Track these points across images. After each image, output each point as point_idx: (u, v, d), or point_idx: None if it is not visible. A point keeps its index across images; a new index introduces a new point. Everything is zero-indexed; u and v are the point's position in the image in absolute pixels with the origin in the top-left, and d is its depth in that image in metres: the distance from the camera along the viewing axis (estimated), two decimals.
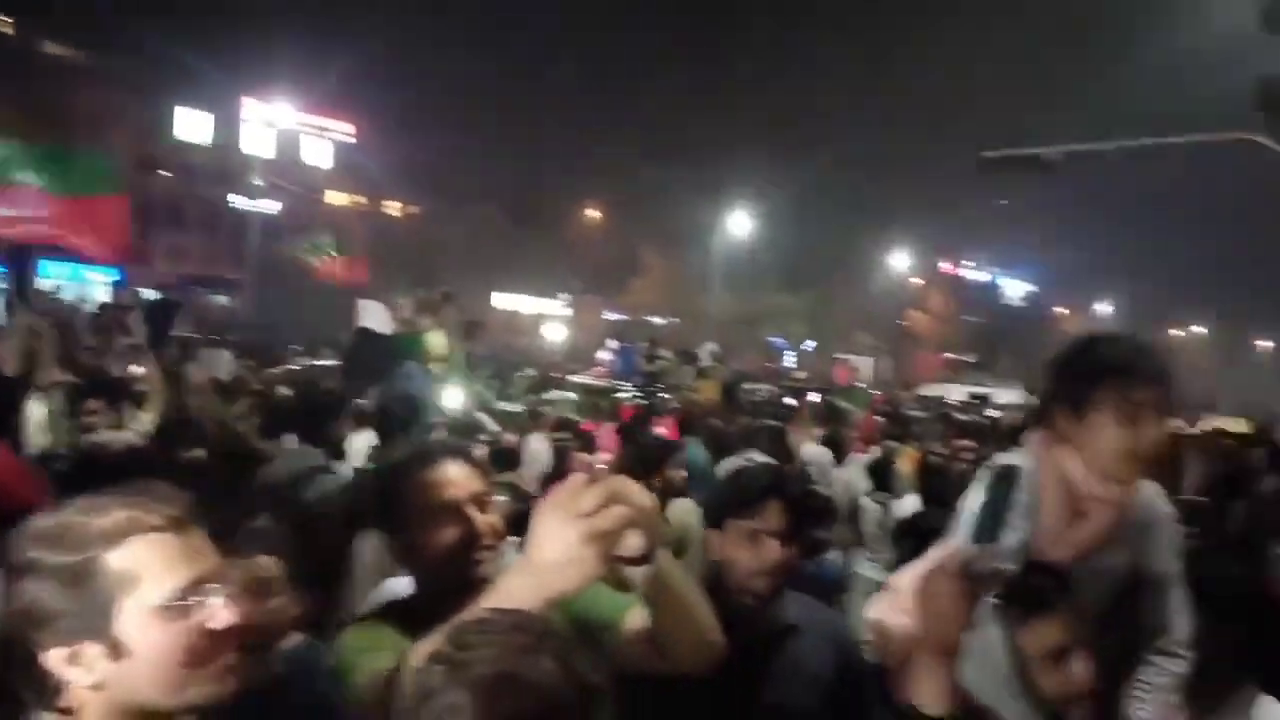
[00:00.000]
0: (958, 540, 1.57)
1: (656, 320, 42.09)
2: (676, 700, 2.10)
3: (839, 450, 7.80)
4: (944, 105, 53.58)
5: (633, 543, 1.72)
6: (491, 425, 7.58)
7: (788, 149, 45.36)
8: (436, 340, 8.68)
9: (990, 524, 1.52)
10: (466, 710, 1.16)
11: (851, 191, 48.53)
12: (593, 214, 50.63)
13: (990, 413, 16.82)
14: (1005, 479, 1.55)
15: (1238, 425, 15.41)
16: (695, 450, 7.50)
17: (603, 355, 17.85)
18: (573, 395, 12.55)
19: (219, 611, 1.38)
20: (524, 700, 1.17)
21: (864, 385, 25.11)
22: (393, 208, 45.12)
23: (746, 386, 17.17)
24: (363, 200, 42.98)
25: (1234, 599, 2.25)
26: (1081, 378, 2.03)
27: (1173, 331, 74.31)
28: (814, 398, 15.16)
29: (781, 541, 2.35)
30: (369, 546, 3.59)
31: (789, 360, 44.52)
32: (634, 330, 23.34)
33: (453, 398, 7.60)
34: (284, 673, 2.52)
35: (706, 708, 2.23)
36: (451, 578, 1.91)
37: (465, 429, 6.69)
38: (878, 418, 12.41)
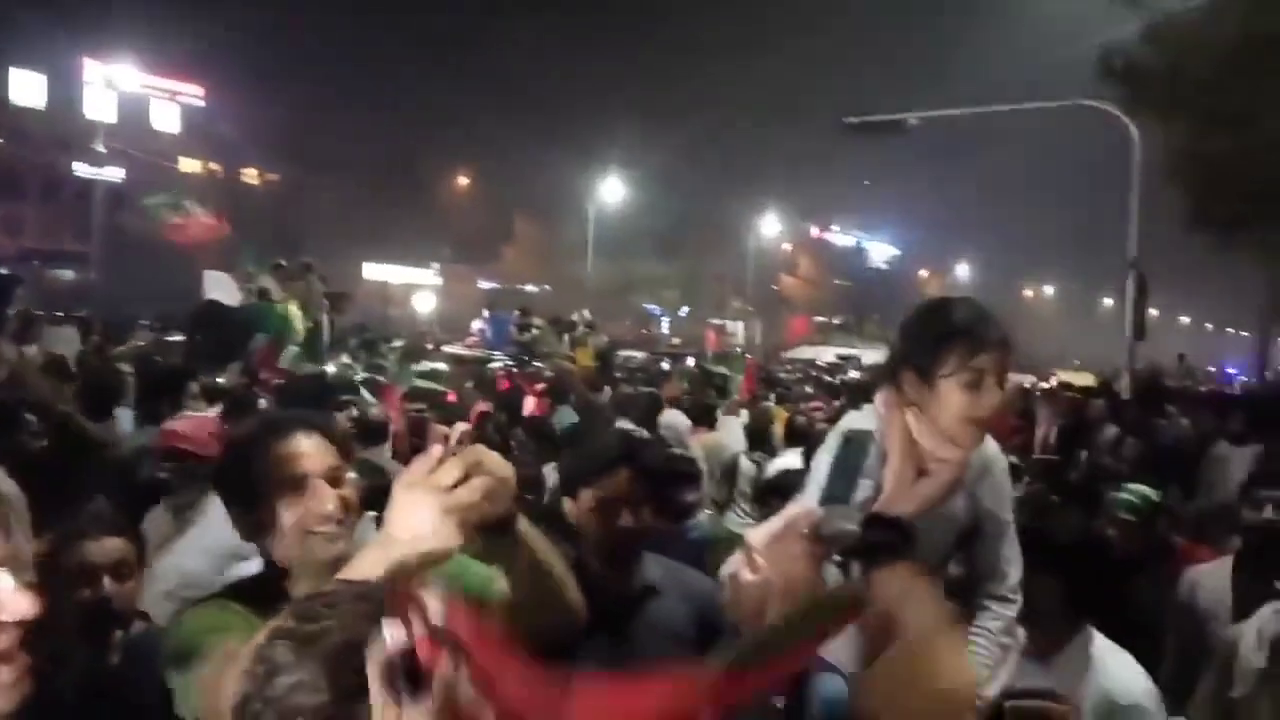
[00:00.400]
0: (807, 500, 1.58)
1: (530, 289, 41.84)
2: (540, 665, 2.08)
3: (708, 414, 7.91)
4: (810, 72, 54.60)
5: (491, 512, 1.72)
6: (368, 397, 7.36)
7: (659, 114, 45.53)
8: (291, 313, 8.36)
9: (839, 484, 1.53)
10: (319, 682, 1.11)
11: (722, 157, 49.17)
12: (463, 181, 49.80)
13: (854, 374, 17.35)
14: (852, 441, 1.56)
15: (1084, 379, 16.36)
16: (567, 418, 7.51)
17: (475, 325, 17.62)
18: (443, 365, 12.36)
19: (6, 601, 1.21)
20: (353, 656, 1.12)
21: (739, 349, 25.58)
22: (250, 175, 43.37)
23: (621, 354, 17.28)
24: (217, 167, 41.12)
25: (1064, 546, 2.36)
26: (927, 342, 2.07)
27: (1026, 291, 78.25)
28: (691, 363, 15.39)
29: (633, 508, 2.38)
30: (159, 521, 3.50)
31: (664, 327, 45.01)
32: (507, 299, 23.10)
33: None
34: (121, 662, 2.40)
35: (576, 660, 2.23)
36: (302, 554, 1.84)
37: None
38: (753, 380, 12.65)
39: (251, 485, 1.89)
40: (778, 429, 7.48)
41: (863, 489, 2.07)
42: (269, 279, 9.57)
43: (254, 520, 1.90)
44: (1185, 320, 79.02)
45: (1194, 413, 8.52)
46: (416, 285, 43.91)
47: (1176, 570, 4.33)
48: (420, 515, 1.51)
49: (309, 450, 1.90)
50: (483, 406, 7.70)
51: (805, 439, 5.86)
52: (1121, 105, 14.18)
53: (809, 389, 13.07)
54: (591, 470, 2.44)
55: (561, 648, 2.05)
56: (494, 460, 1.75)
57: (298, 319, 8.62)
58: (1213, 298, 58.88)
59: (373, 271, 43.60)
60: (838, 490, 1.52)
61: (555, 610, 1.92)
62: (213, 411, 4.51)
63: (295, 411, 2.40)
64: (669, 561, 2.59)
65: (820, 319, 35.84)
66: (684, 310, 49.42)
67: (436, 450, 1.61)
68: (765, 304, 50.84)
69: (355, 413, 4.97)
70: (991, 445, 2.23)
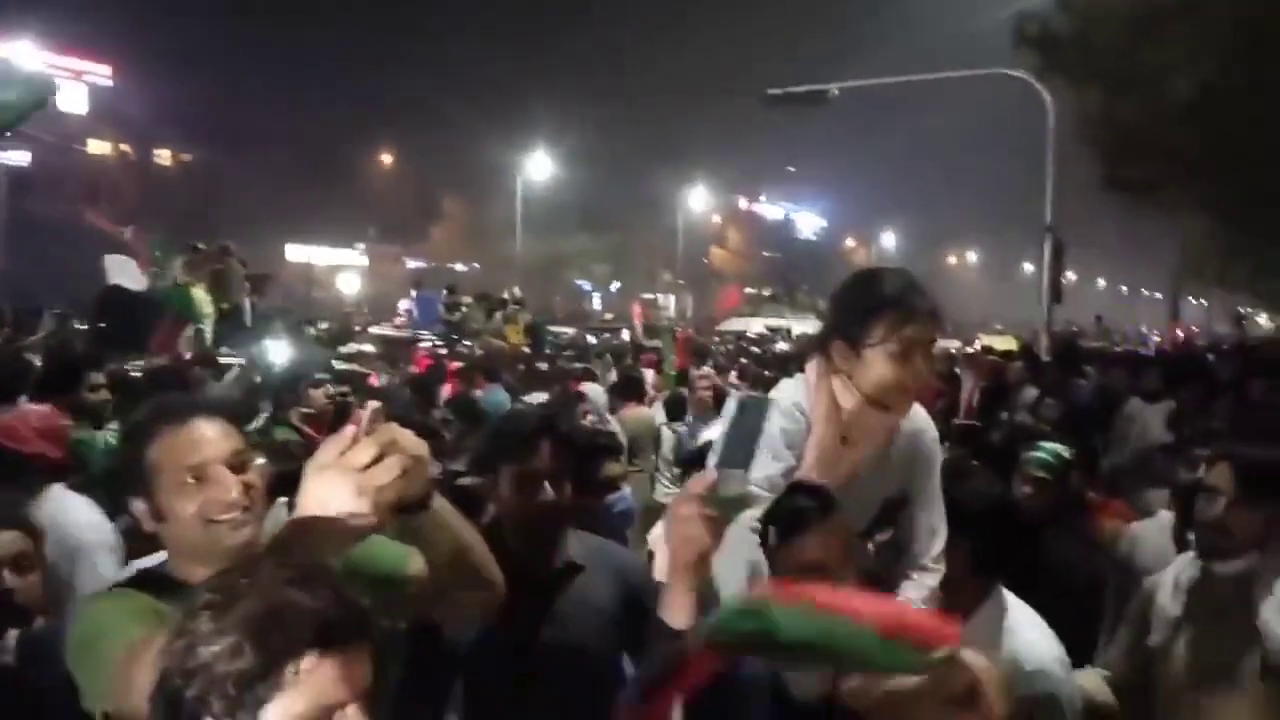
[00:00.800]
0: (708, 467, 1.58)
1: (459, 267, 41.36)
2: (463, 644, 2.08)
3: (637, 388, 7.91)
4: (734, 45, 54.66)
5: (407, 492, 1.69)
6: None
7: (585, 89, 45.22)
8: (199, 296, 8.14)
9: (733, 450, 1.53)
10: (243, 648, 1.12)
11: (649, 131, 49.00)
12: (387, 160, 48.88)
13: (783, 345, 17.51)
14: (747, 407, 1.57)
15: (1005, 342, 16.73)
16: (498, 396, 7.45)
17: (402, 305, 17.33)
18: (369, 347, 12.17)
19: None
20: (300, 629, 1.14)
21: (669, 322, 25.61)
22: (164, 157, 41.97)
23: (553, 330, 17.18)
24: (128, 149, 39.71)
25: (971, 512, 2.39)
26: (857, 312, 2.09)
27: (949, 258, 79.70)
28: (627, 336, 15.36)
29: (554, 482, 2.36)
30: None
31: (595, 302, 44.90)
32: (435, 278, 22.80)
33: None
34: (20, 660, 2.30)
35: (492, 652, 2.22)
36: (204, 543, 1.78)
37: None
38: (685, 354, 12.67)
39: (145, 474, 1.81)
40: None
41: (785, 459, 2.11)
42: (176, 262, 9.34)
43: (153, 510, 1.83)
44: (1102, 283, 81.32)
45: (1109, 372, 8.77)
46: (341, 266, 43.09)
47: (1091, 525, 4.45)
48: (332, 496, 1.48)
49: (209, 436, 1.83)
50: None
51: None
52: (1036, 72, 14.44)
53: (743, 360, 13.17)
54: (510, 446, 2.39)
55: (484, 626, 2.04)
56: (409, 439, 1.72)
57: (205, 301, 8.40)
58: (1128, 261, 60.59)
59: (296, 253, 42.69)
60: (732, 456, 1.53)
61: (474, 588, 1.89)
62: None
63: (194, 397, 2.33)
64: (592, 537, 2.57)
65: (750, 290, 36.05)
66: (615, 285, 49.34)
67: (349, 430, 1.57)
68: (696, 277, 51.01)
69: (331, 390, 4.90)
70: (921, 414, 2.25)
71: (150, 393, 3.97)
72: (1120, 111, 13.45)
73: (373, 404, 1.64)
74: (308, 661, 1.15)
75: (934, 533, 2.27)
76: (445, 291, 15.32)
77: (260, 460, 1.98)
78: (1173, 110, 12.24)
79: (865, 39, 45.25)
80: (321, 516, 1.50)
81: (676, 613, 1.55)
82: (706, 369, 8.29)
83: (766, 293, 34.28)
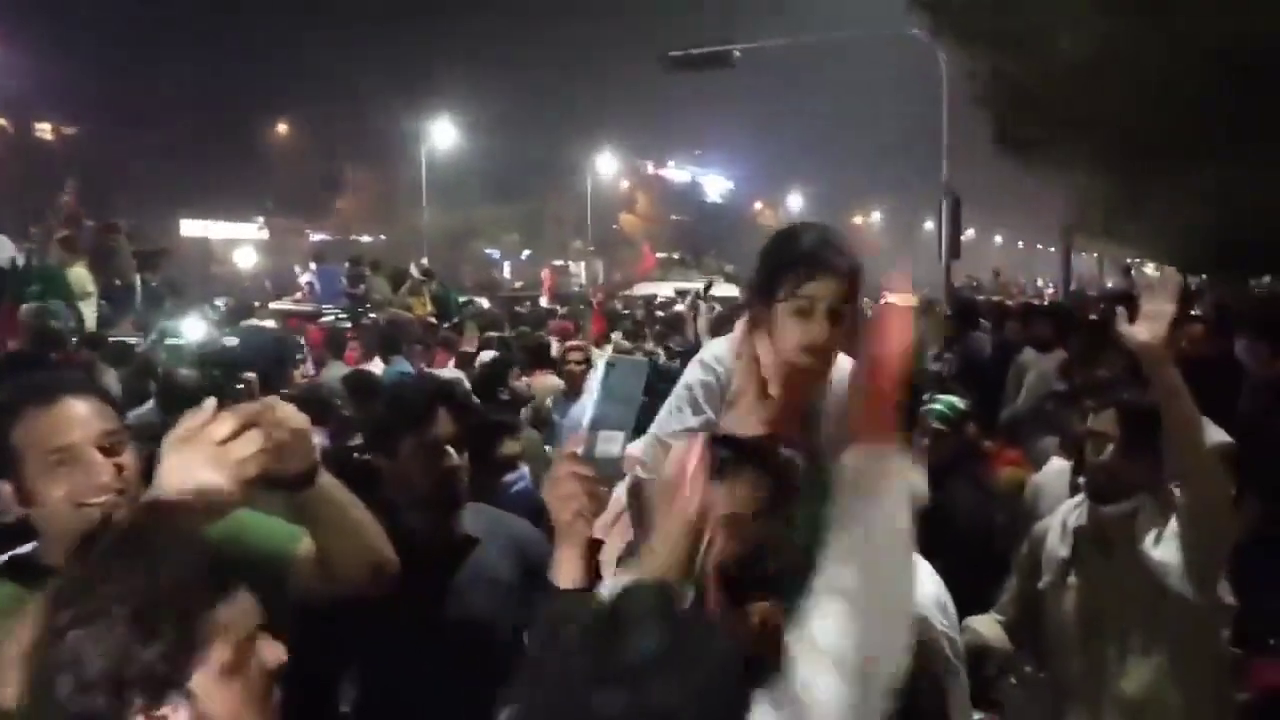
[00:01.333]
0: (583, 428, 1.59)
1: (364, 239, 40.40)
2: (358, 621, 2.06)
3: (544, 355, 7.86)
4: (637, 7, 54.20)
5: (285, 467, 1.66)
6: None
7: (488, 55, 44.37)
8: (78, 275, 7.81)
9: (604, 408, 1.54)
10: (118, 618, 1.12)
11: (555, 97, 48.43)
12: (286, 129, 47.32)
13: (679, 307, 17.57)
14: (615, 366, 1.58)
15: (908, 301, 17.08)
16: (399, 368, 7.29)
17: (303, 279, 16.82)
18: (271, 323, 11.81)
19: None
20: (197, 589, 1.17)
21: (581, 289, 25.46)
22: (44, 130, 39.92)
23: (462, 300, 16.90)
24: (5, 123, 37.66)
25: None
26: (769, 268, 2.09)
27: (855, 219, 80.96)
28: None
29: (457, 449, 2.32)
30: None
31: (506, 271, 44.43)
32: (340, 251, 22.20)
33: None
34: None
35: (388, 628, 2.19)
36: (75, 528, 1.70)
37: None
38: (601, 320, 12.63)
39: (10, 456, 1.73)
40: None
41: (701, 412, 2.13)
42: (49, 239, 8.95)
43: (20, 493, 1.74)
44: (999, 239, 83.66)
45: (1004, 324, 9.04)
46: (239, 240, 41.70)
47: (987, 473, 4.60)
48: (189, 471, 1.46)
49: (78, 416, 1.75)
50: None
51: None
52: (929, 32, 14.67)
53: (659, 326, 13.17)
54: (408, 415, 2.35)
55: (377, 602, 2.01)
56: (288, 413, 1.68)
57: (86, 280, 8.05)
58: (1023, 216, 62.37)
59: (192, 228, 41.17)
60: (605, 418, 1.54)
61: (362, 563, 1.87)
62: None
63: (63, 374, 2.23)
64: (488, 509, 2.56)
65: (661, 255, 36.04)
66: (526, 254, 48.87)
67: (210, 403, 1.53)
68: (606, 243, 50.83)
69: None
70: (847, 370, 2.25)
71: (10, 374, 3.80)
72: (1009, 71, 13.75)
73: (248, 375, 1.61)
74: (218, 612, 1.18)
75: None
76: (348, 263, 14.90)
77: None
78: (1059, 69, 12.55)
79: (768, 2, 45.34)
80: (178, 491, 1.47)
81: (563, 572, 1.56)
82: (578, 341, 8.14)
83: (675, 256, 34.30)
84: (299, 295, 16.08)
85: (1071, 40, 12.08)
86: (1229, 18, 10.41)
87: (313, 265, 16.51)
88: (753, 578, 1.79)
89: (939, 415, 4.12)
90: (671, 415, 2.17)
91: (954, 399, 4.26)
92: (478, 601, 2.33)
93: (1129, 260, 27.21)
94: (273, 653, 1.26)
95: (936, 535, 2.70)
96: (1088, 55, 11.93)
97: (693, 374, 2.22)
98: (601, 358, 1.86)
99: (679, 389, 2.21)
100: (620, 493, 2.02)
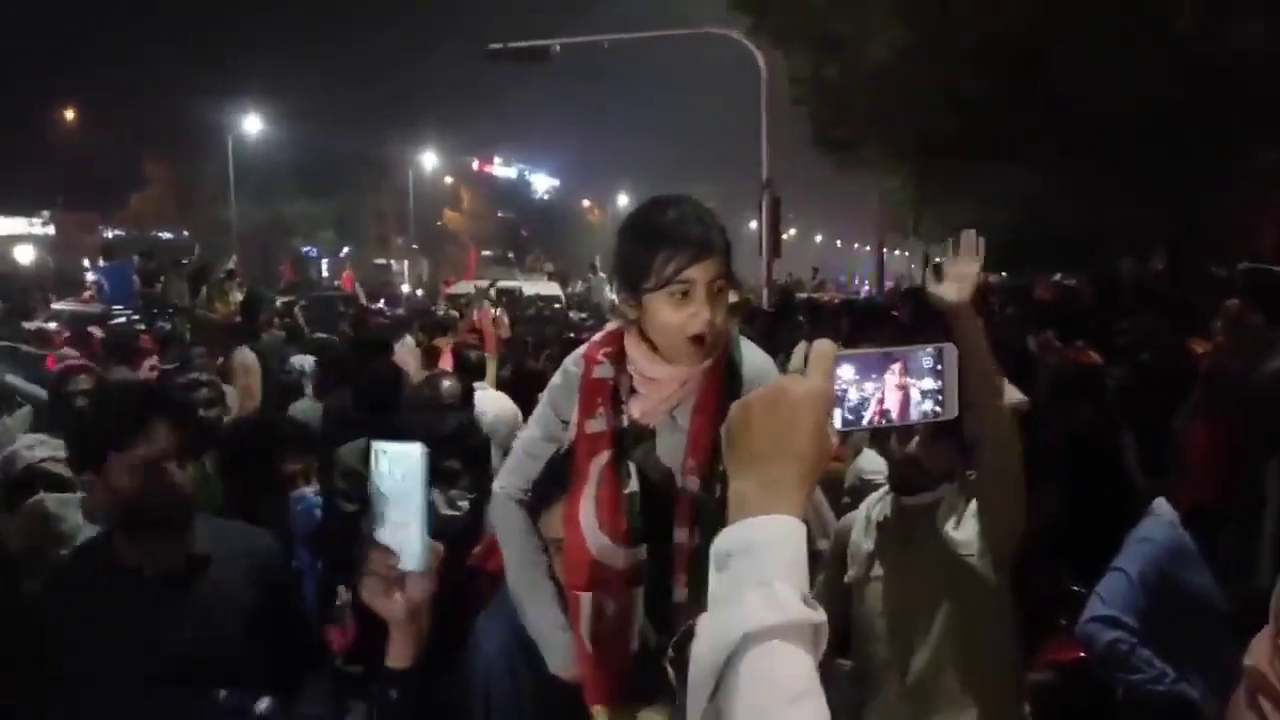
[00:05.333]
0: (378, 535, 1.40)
1: (165, 235, 37.89)
2: (88, 653, 1.91)
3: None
4: (462, 1, 53.35)
5: None
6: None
7: (299, 41, 42.52)
8: None
9: (383, 505, 1.35)
10: None
11: (373, 88, 47.00)
12: (75, 116, 43.85)
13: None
14: (383, 455, 1.39)
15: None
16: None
17: (90, 277, 15.51)
18: (53, 325, 10.79)
19: None
20: None
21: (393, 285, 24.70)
22: None
23: (283, 300, 16.01)
24: None
25: None
26: (632, 255, 1.86)
27: None
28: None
29: (179, 463, 2.06)
30: None
31: (323, 269, 42.81)
32: (133, 247, 20.68)
33: None
34: None
35: (126, 654, 1.98)
36: None
37: None
38: None
39: None
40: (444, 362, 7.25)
41: (549, 424, 2.00)
42: None
43: None
44: (819, 238, 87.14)
45: (816, 321, 9.28)
46: (19, 237, 38.35)
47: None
48: None
49: None
50: None
51: (479, 372, 5.65)
52: (748, 33, 14.96)
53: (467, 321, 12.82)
54: (120, 430, 2.03)
55: (111, 630, 1.75)
56: None
57: None
58: (841, 216, 65.22)
59: None
60: (386, 508, 1.34)
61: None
62: None
63: None
64: (219, 522, 2.33)
65: (487, 253, 35.50)
66: (344, 251, 47.16)
67: None
68: (430, 241, 49.73)
69: None
70: (761, 363, 2.03)
71: None
72: (824, 73, 14.18)
73: None
74: None
75: None
76: (138, 259, 13.75)
77: None
78: (869, 72, 13.02)
79: None
80: None
81: (394, 654, 1.38)
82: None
83: (492, 254, 33.91)
84: (86, 295, 14.82)
85: (880, 44, 12.56)
86: (987, 18, 11.05)
87: (101, 262, 15.22)
88: None
89: None
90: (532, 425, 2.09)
91: None
92: (215, 624, 2.10)
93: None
94: None
95: None
96: (889, 60, 12.43)
97: (553, 378, 2.06)
98: (374, 450, 1.64)
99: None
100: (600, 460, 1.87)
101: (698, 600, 1.79)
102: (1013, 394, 2.65)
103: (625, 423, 1.91)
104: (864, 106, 13.78)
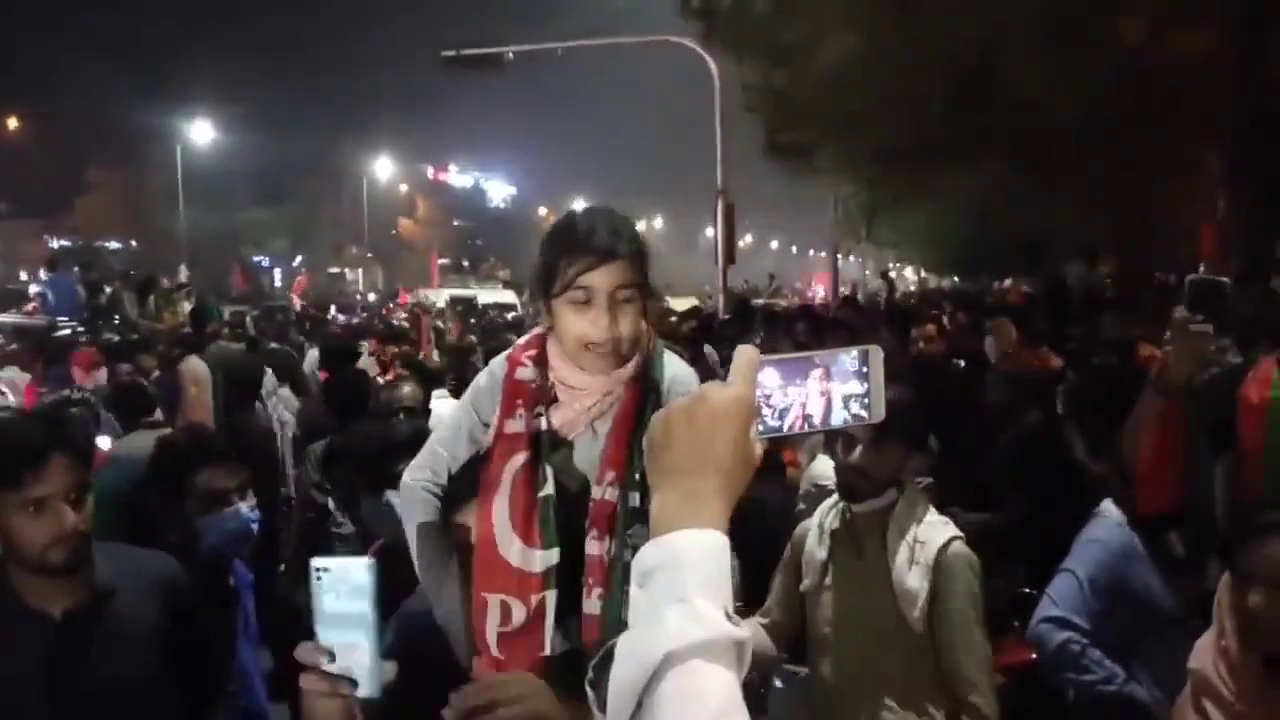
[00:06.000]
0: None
1: (112, 245, 37.18)
2: None
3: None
4: (412, 7, 52.99)
5: None
6: None
7: (250, 47, 42.01)
8: None
9: (327, 622, 1.28)
10: None
11: (327, 95, 46.58)
12: (19, 123, 42.92)
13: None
14: (325, 573, 1.30)
15: (685, 302, 17.46)
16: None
17: (33, 289, 15.11)
18: None
19: None
20: None
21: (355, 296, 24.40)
22: None
23: (236, 310, 15.74)
24: None
25: None
26: (543, 262, 1.86)
27: (639, 225, 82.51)
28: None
29: (76, 504, 1.97)
30: None
31: (277, 279, 42.30)
32: (78, 257, 20.23)
33: None
34: None
35: (36, 699, 1.91)
36: None
37: None
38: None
39: None
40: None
41: (457, 446, 1.95)
42: None
43: None
44: (775, 244, 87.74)
45: (770, 327, 9.32)
46: None
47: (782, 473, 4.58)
48: None
49: None
50: None
51: (438, 380, 5.60)
52: (701, 41, 15.02)
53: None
54: (12, 467, 1.93)
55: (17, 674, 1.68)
56: None
57: None
58: (795, 222, 65.63)
59: None
60: (330, 625, 1.27)
61: None
62: None
63: None
64: (128, 550, 2.23)
65: (443, 261, 35.27)
66: (298, 260, 46.60)
67: None
68: (385, 249, 49.31)
69: None
70: (681, 370, 1.99)
71: None
72: (776, 80, 14.25)
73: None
74: None
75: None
76: (78, 269, 13.36)
77: None
78: (819, 79, 13.11)
79: (549, 5, 45.43)
80: None
81: None
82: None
83: (448, 262, 33.73)
84: (30, 308, 14.43)
85: (830, 52, 12.65)
86: (937, 27, 11.19)
87: (43, 274, 14.82)
88: None
89: None
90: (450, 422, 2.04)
91: None
92: (124, 657, 2.02)
93: (889, 265, 29.02)
94: None
95: (749, 534, 2.58)
96: (840, 66, 12.52)
97: (478, 378, 2.04)
98: (312, 566, 1.57)
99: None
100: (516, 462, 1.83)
101: (609, 611, 1.77)
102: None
103: (544, 425, 1.87)
104: (814, 114, 13.87)
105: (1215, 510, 3.09)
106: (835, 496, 2.89)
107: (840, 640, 2.72)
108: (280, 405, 6.80)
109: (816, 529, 2.89)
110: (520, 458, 1.85)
